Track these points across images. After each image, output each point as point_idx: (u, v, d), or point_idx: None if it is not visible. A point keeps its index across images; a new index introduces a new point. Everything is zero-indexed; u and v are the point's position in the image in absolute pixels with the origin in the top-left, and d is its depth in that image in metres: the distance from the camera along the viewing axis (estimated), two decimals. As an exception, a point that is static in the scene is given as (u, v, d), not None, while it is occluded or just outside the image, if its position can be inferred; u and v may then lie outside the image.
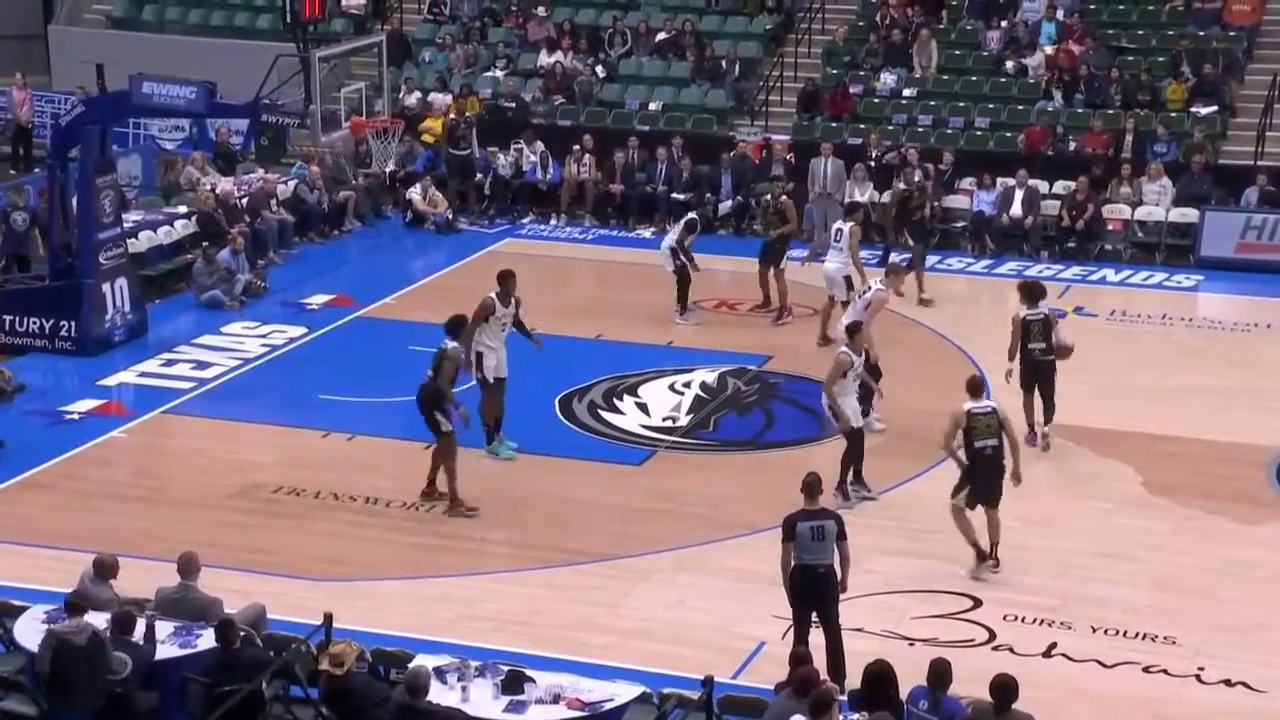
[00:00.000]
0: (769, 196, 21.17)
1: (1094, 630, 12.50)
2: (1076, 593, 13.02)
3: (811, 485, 11.65)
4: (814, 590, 11.39)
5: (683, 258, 19.49)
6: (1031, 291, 16.03)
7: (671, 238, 19.71)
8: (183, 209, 22.05)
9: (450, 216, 23.97)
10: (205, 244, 20.67)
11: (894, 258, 19.96)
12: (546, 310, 20.12)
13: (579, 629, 12.42)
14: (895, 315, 19.77)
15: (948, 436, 13.19)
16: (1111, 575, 13.34)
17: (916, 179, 21.94)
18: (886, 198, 22.40)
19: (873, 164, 23.37)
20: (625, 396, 17.31)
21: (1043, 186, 23.49)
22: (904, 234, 21.23)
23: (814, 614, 11.47)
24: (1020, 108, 25.30)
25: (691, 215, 20.17)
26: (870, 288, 16.55)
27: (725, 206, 23.95)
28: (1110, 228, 23.01)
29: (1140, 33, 26.56)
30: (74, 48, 29.41)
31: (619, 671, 11.12)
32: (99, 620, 10.82)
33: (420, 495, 14.60)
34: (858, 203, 20.66)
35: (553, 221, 24.50)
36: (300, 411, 16.64)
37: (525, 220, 24.57)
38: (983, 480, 13.05)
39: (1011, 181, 23.09)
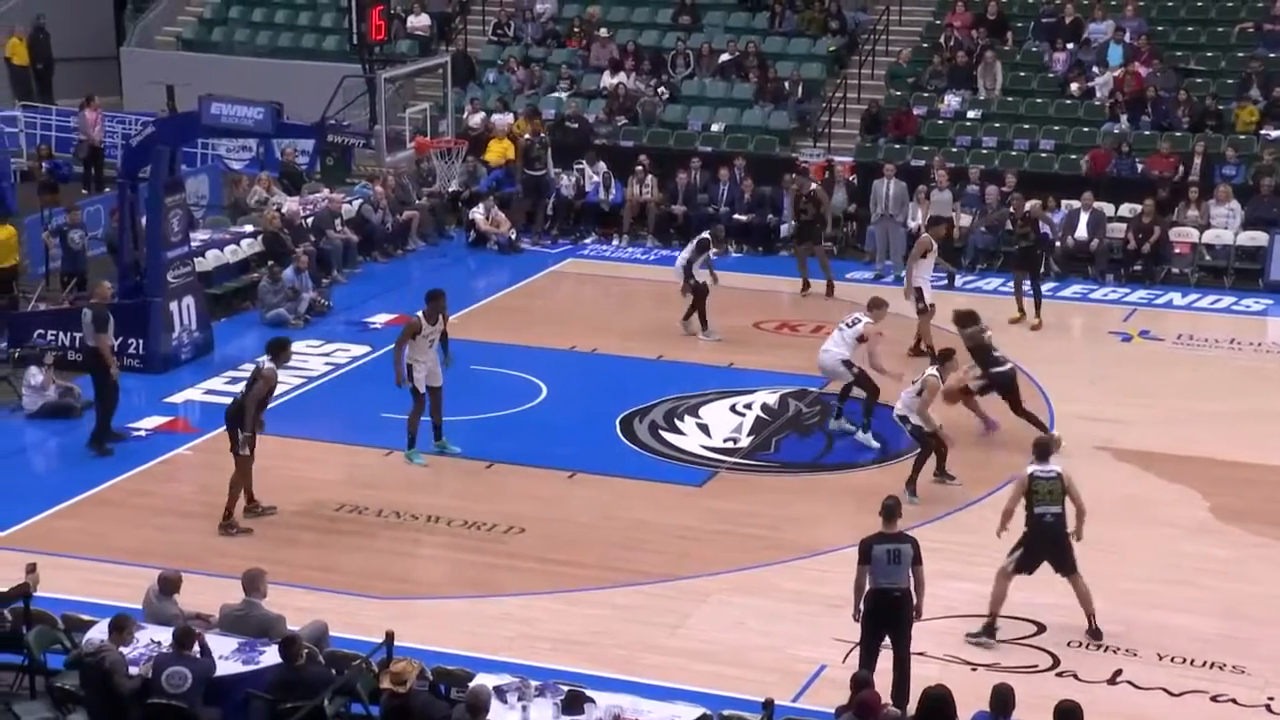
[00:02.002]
0: (796, 185, 22.24)
1: (1160, 658, 12.35)
2: (1142, 620, 12.86)
3: (890, 509, 11.57)
4: (888, 614, 11.32)
5: (694, 277, 19.52)
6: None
7: (683, 256, 19.82)
8: (249, 228, 22.26)
9: (513, 236, 24.08)
10: (271, 263, 20.85)
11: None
12: (608, 330, 20.24)
13: (639, 649, 12.41)
14: (954, 336, 19.70)
15: (1010, 500, 12.62)
16: (1177, 602, 13.18)
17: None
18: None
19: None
20: (686, 417, 17.30)
21: (1108, 209, 23.30)
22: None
23: (884, 638, 11.37)
24: (1086, 130, 25.12)
25: (703, 235, 20.23)
26: (860, 320, 16.64)
27: (786, 228, 23.92)
28: (1177, 251, 22.77)
29: (1209, 54, 26.32)
30: (145, 69, 29.84)
31: (679, 693, 11.10)
32: (162, 635, 10.98)
33: (243, 512, 14.60)
34: (940, 217, 20.82)
35: (615, 242, 24.56)
36: (362, 430, 16.73)
37: (587, 241, 24.64)
38: (1034, 548, 12.36)
39: (1076, 204, 22.92)
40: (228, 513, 14.44)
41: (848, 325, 16.69)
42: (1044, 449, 12.67)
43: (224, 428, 14.92)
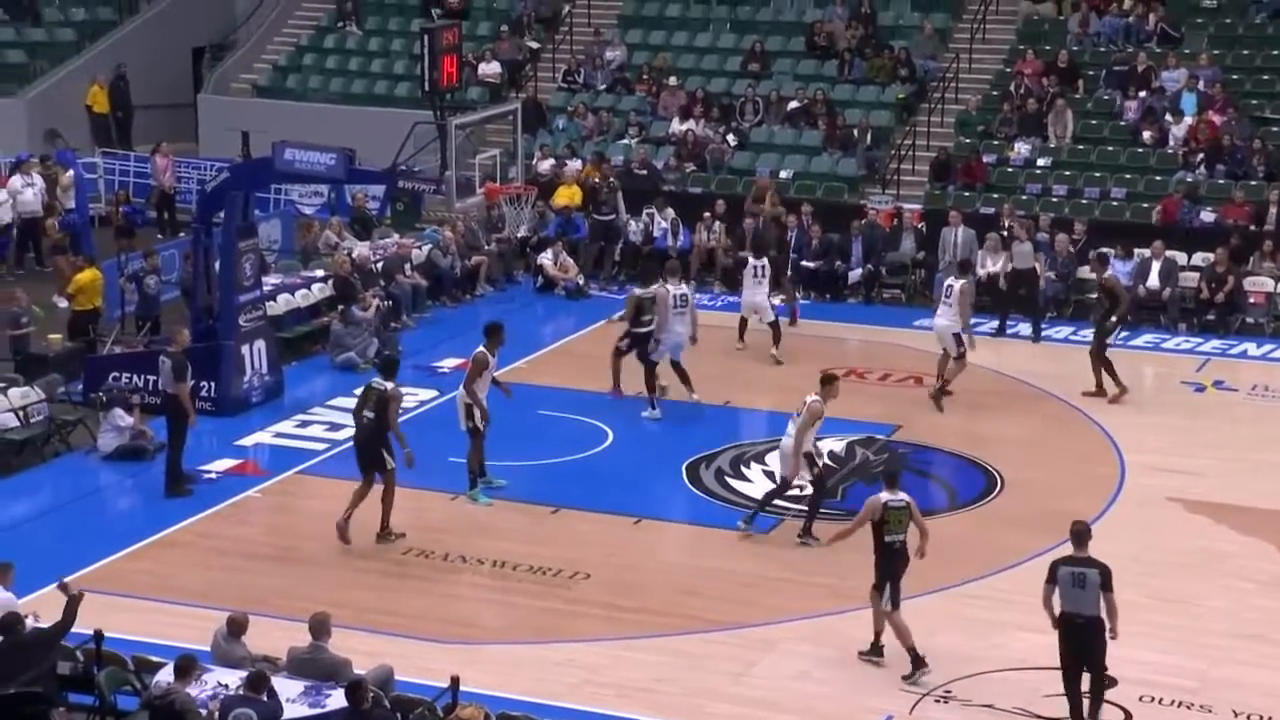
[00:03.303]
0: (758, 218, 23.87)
1: (1235, 715, 12.12)
2: (1216, 675, 12.65)
3: (1080, 534, 11.68)
4: (1076, 641, 11.46)
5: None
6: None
7: None
8: (319, 273, 22.46)
9: (581, 282, 24.17)
10: (341, 307, 21.00)
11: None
12: (675, 376, 20.19)
13: (703, 697, 12.35)
14: (1026, 386, 19.58)
15: (856, 524, 12.86)
16: (1252, 658, 12.95)
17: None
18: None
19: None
20: (753, 464, 17.25)
21: (1180, 258, 23.06)
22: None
23: (1082, 667, 11.49)
24: (1158, 178, 24.93)
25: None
26: (687, 295, 18.71)
27: (855, 275, 23.87)
28: (1252, 301, 22.50)
29: (1285, 103, 26.10)
30: (221, 116, 30.36)
31: (743, 743, 11.02)
32: (229, 677, 11.04)
33: (376, 539, 15.01)
34: (969, 261, 20.83)
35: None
36: (430, 474, 16.75)
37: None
38: (895, 574, 12.60)
39: (1148, 252, 22.71)
40: (384, 524, 15.01)
41: (683, 304, 18.54)
42: (893, 477, 12.89)
43: (356, 456, 15.31)
